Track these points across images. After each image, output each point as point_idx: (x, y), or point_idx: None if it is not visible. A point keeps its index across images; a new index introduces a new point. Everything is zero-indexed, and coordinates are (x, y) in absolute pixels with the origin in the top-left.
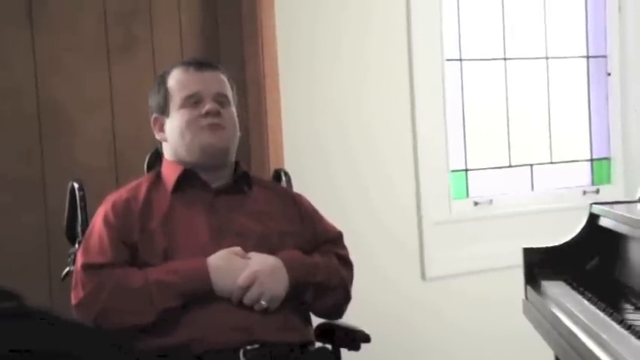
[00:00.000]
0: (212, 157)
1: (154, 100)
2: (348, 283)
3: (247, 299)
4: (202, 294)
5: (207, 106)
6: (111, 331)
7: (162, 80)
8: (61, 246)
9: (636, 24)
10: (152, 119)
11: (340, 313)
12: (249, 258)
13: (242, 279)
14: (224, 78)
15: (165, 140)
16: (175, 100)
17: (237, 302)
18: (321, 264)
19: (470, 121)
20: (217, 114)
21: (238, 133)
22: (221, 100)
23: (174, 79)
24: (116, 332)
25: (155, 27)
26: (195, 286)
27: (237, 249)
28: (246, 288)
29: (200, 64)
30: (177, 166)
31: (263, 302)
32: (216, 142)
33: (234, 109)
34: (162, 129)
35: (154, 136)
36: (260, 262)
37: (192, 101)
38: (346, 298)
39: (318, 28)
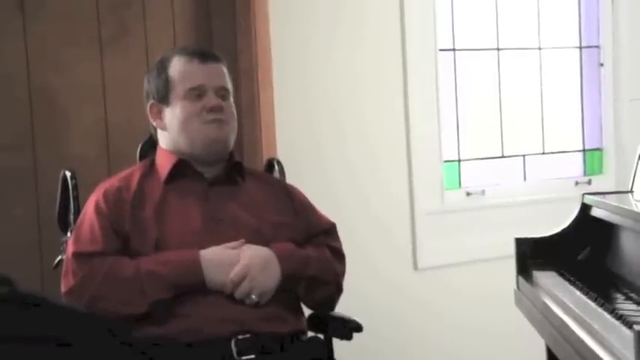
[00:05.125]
0: (214, 151)
1: (152, 86)
2: (341, 276)
3: (238, 294)
4: (194, 286)
5: (212, 102)
6: (105, 318)
7: (162, 66)
8: (53, 235)
9: (629, 14)
10: (149, 105)
11: (332, 306)
12: (242, 245)
13: (233, 274)
14: (225, 70)
15: (163, 128)
16: (178, 90)
17: (229, 295)
18: (313, 257)
19: (463, 111)
20: (221, 109)
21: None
22: (223, 93)
23: (177, 68)
24: (111, 319)
25: (148, 17)
26: (187, 278)
27: (232, 244)
28: (238, 282)
29: (204, 56)
30: (172, 156)
31: (254, 297)
32: (219, 137)
33: (232, 101)
34: (159, 116)
35: (146, 125)
36: (252, 255)
37: (196, 93)
38: (338, 291)
39: (311, 20)
